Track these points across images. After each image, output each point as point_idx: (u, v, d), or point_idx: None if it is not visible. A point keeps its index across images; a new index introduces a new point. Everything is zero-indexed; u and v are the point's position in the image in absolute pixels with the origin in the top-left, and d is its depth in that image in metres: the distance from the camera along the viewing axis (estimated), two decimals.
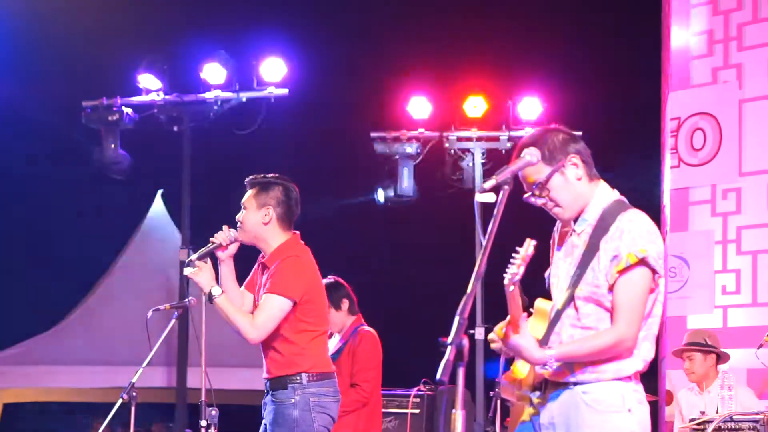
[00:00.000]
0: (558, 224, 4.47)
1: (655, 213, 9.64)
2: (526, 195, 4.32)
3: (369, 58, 13.31)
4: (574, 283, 4.24)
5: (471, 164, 11.42)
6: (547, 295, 4.44)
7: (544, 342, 4.22)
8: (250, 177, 5.99)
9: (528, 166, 4.23)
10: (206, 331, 6.75)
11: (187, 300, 6.82)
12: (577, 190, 4.30)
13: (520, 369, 4.38)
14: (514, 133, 11.14)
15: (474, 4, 13.35)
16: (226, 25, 13.53)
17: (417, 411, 8.94)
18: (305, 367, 5.74)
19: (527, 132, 10.57)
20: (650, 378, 6.54)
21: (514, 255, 3.90)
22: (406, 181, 11.33)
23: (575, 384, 4.23)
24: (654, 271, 4.17)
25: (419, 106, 11.50)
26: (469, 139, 11.40)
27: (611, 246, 4.18)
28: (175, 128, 11.47)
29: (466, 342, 3.58)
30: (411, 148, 11.32)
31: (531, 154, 4.23)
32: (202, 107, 11.38)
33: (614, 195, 4.36)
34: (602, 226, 4.23)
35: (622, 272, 4.13)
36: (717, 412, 7.50)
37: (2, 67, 12.40)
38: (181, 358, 11.02)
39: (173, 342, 10.95)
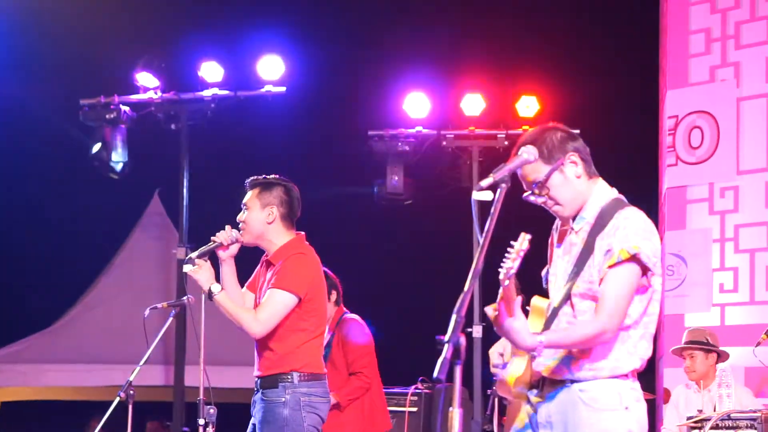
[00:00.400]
0: (557, 222, 4.47)
1: (653, 211, 9.66)
2: (525, 194, 4.32)
3: (367, 57, 13.30)
4: (570, 280, 4.25)
5: (468, 162, 11.42)
6: (545, 294, 4.45)
7: None
8: (251, 178, 5.99)
9: (525, 164, 4.23)
10: (204, 329, 6.75)
11: (184, 298, 6.81)
12: (576, 187, 4.31)
13: (515, 369, 4.38)
14: (511, 132, 11.13)
15: (473, 4, 13.35)
16: (224, 23, 13.52)
17: (415, 409, 8.94)
18: (297, 366, 5.73)
19: (525, 130, 10.60)
20: (648, 376, 6.54)
21: (509, 249, 3.89)
22: (396, 179, 11.32)
23: (572, 382, 4.24)
24: (646, 269, 4.17)
25: (417, 105, 11.49)
26: (466, 137, 11.40)
27: (605, 242, 4.18)
28: (173, 126, 11.46)
29: (463, 340, 3.58)
30: (403, 147, 11.31)
31: (528, 152, 4.23)
32: (199, 105, 11.37)
33: (613, 193, 4.37)
34: (600, 224, 4.24)
35: (612, 267, 4.14)
36: (714, 410, 7.50)
37: (0, 66, 12.40)
38: (179, 356, 11.01)
39: (170, 340, 10.95)
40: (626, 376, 4.23)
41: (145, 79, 11.41)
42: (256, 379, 5.86)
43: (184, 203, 11.35)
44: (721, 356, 8.17)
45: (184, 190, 11.38)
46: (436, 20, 13.23)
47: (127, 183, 12.04)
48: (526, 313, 4.24)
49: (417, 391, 9.00)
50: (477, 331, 10.76)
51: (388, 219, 12.08)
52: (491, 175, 4.00)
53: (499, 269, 3.89)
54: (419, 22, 13.34)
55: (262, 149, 13.17)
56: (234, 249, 5.86)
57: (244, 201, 5.93)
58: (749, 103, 9.50)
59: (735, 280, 9.42)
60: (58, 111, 12.36)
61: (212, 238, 5.81)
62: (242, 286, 5.98)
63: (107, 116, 11.37)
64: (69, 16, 12.32)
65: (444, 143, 11.43)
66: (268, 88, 11.30)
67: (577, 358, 4.22)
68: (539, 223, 4.48)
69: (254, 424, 5.84)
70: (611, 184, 4.42)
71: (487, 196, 3.92)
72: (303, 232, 5.98)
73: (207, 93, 11.29)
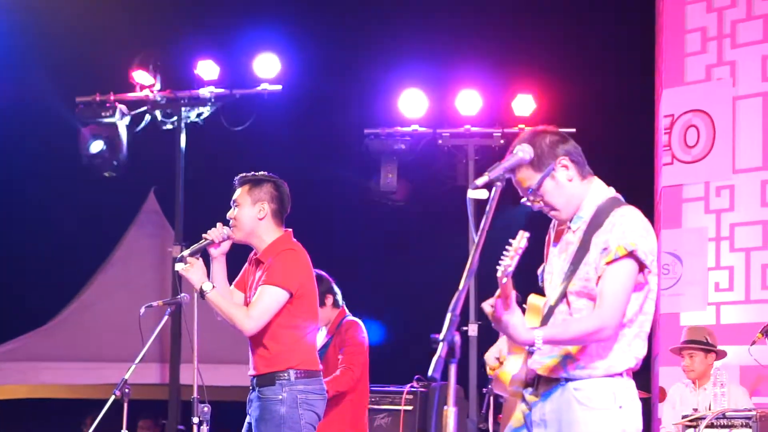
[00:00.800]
0: (554, 222, 4.48)
1: (648, 210, 9.67)
2: (522, 199, 4.34)
3: (363, 55, 13.29)
4: (567, 278, 4.25)
5: (464, 161, 11.42)
6: (542, 293, 4.45)
7: None
8: (240, 175, 5.99)
9: (521, 162, 4.23)
10: (198, 327, 6.74)
11: (180, 297, 6.80)
12: (569, 191, 4.31)
13: (509, 369, 4.38)
14: (507, 130, 11.13)
15: (469, 2, 13.35)
16: (220, 22, 13.51)
17: (410, 408, 8.93)
18: (293, 363, 5.73)
19: (521, 129, 10.60)
20: (643, 375, 6.54)
21: (507, 247, 3.90)
22: (391, 177, 11.32)
23: (567, 380, 4.24)
24: (643, 266, 4.17)
25: (413, 103, 11.49)
26: (462, 136, 11.39)
27: (602, 239, 4.19)
28: (169, 125, 11.45)
29: (458, 338, 3.58)
30: (399, 145, 11.31)
31: (524, 150, 4.24)
32: (195, 103, 11.36)
33: (609, 192, 4.37)
34: (597, 223, 4.24)
35: (610, 264, 4.14)
36: (710, 409, 7.50)
37: None
38: (174, 354, 11.00)
39: (166, 338, 10.94)
40: (621, 375, 4.24)
41: (141, 77, 11.40)
42: (252, 377, 5.85)
43: (180, 201, 11.34)
44: (719, 355, 8.18)
45: (180, 189, 11.36)
46: (433, 19, 13.22)
47: (123, 181, 12.03)
48: (522, 311, 4.25)
49: (412, 389, 8.99)
50: (472, 329, 10.75)
51: (384, 217, 12.07)
52: (486, 173, 4.01)
53: (497, 267, 3.89)
54: (415, 21, 13.33)
55: (257, 147, 13.16)
56: (225, 247, 5.86)
57: (233, 198, 5.93)
58: (745, 102, 9.51)
59: (730, 279, 9.42)
60: (55, 109, 12.34)
61: (204, 235, 5.81)
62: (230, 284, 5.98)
63: (103, 114, 11.36)
64: (65, 14, 12.31)
65: (440, 142, 11.42)
66: (264, 86, 11.30)
67: (572, 356, 4.22)
68: (533, 220, 4.48)
69: (250, 423, 5.83)
70: (607, 182, 4.43)
71: (482, 194, 3.92)
72: (290, 229, 5.98)
73: (203, 91, 11.28)
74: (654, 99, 10.52)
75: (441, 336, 3.57)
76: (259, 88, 11.31)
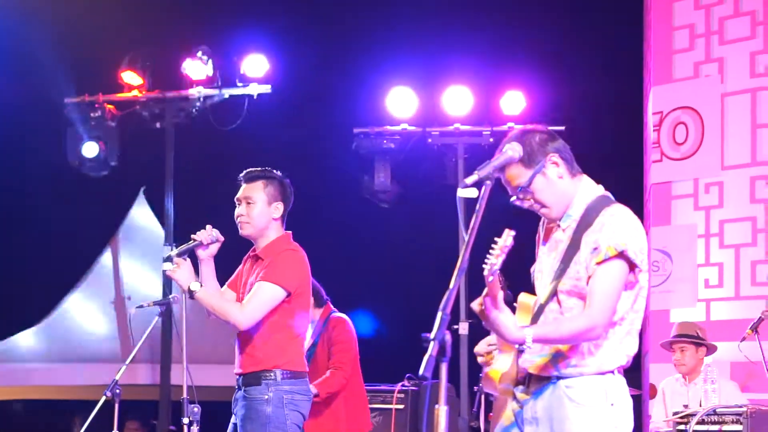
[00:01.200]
0: (543, 220, 4.48)
1: (638, 207, 9.67)
2: (512, 198, 4.33)
3: (352, 54, 13.29)
4: (557, 277, 4.25)
5: (454, 160, 11.42)
6: (533, 291, 4.45)
7: None
8: (248, 170, 5.91)
9: (510, 161, 4.23)
10: (188, 328, 6.73)
11: (170, 297, 6.80)
12: (560, 188, 4.31)
13: (500, 367, 4.38)
14: (496, 129, 11.14)
15: (456, 1, 13.35)
16: (208, 22, 13.49)
17: (401, 406, 8.94)
18: (280, 363, 5.70)
19: (510, 128, 10.61)
20: (634, 372, 6.56)
21: (492, 246, 3.90)
22: (381, 177, 11.33)
23: (558, 378, 4.24)
24: (633, 265, 4.18)
25: (402, 102, 11.49)
26: (452, 134, 11.40)
27: (592, 239, 4.19)
28: (158, 125, 11.45)
29: (449, 337, 3.59)
30: (389, 144, 11.31)
31: (513, 149, 4.24)
32: (184, 104, 11.36)
33: (598, 190, 4.38)
34: (586, 221, 4.25)
35: (600, 264, 4.15)
36: (700, 405, 7.52)
37: None
38: (165, 355, 11.00)
39: (155, 339, 10.93)
40: (612, 372, 4.24)
41: (130, 77, 11.39)
42: (238, 376, 5.83)
43: (170, 202, 11.33)
44: (710, 350, 8.20)
45: (170, 189, 11.36)
46: (421, 18, 13.22)
47: (112, 181, 12.02)
48: (513, 309, 4.25)
49: (404, 388, 9.00)
50: (463, 328, 10.76)
51: (374, 216, 12.07)
52: (476, 172, 4.01)
53: (483, 266, 3.90)
54: (404, 20, 13.33)
55: (246, 147, 13.14)
56: (214, 249, 5.80)
57: (244, 194, 5.84)
58: (733, 99, 9.52)
59: (720, 276, 9.44)
60: (44, 110, 12.32)
61: (192, 237, 5.78)
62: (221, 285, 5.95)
63: (92, 115, 11.36)
64: (53, 14, 12.28)
65: (429, 140, 11.43)
66: (253, 86, 11.30)
67: (563, 354, 4.23)
68: (522, 219, 4.48)
69: (235, 424, 5.82)
70: (596, 180, 4.43)
71: (472, 193, 3.93)
72: (290, 231, 5.96)
73: (192, 91, 11.28)
74: (642, 96, 10.54)
75: (432, 335, 3.57)
76: (248, 89, 11.31)
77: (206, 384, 10.46)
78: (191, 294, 5.68)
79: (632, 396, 4.39)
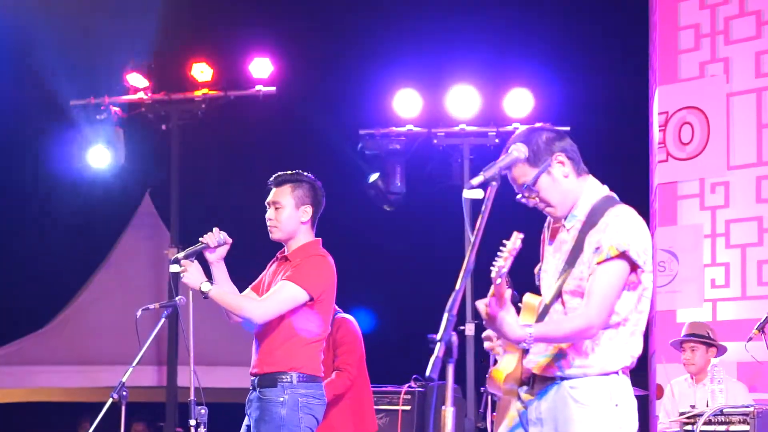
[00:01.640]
0: (549, 220, 4.48)
1: (644, 208, 9.67)
2: (518, 196, 4.34)
3: (357, 56, 13.30)
4: (561, 277, 4.25)
5: (459, 161, 11.42)
6: (538, 291, 4.45)
7: None
8: (278, 174, 5.90)
9: (516, 161, 4.24)
10: (195, 329, 6.74)
11: (176, 299, 6.79)
12: (565, 187, 4.31)
13: (504, 367, 4.38)
14: (502, 129, 11.13)
15: (462, 3, 13.35)
16: (214, 24, 13.51)
17: (408, 408, 8.93)
18: (296, 366, 5.68)
19: (516, 128, 10.60)
20: (640, 372, 6.55)
21: (501, 248, 3.90)
22: (387, 178, 11.33)
23: (562, 379, 4.24)
24: (636, 266, 4.17)
25: (408, 103, 11.49)
26: (457, 135, 11.40)
27: (595, 239, 4.20)
28: (163, 127, 11.46)
29: (455, 338, 3.58)
30: (394, 145, 11.31)
31: (518, 150, 4.24)
32: (189, 106, 11.37)
33: (604, 191, 4.38)
34: (591, 222, 4.25)
35: (600, 263, 4.15)
36: (707, 406, 7.51)
37: None
38: (171, 357, 11.01)
39: (163, 341, 10.94)
40: (616, 373, 4.24)
41: (135, 79, 11.40)
42: (253, 377, 5.82)
43: (175, 203, 11.35)
44: (720, 351, 8.20)
45: (175, 191, 11.37)
46: (426, 19, 13.22)
47: (118, 183, 12.04)
48: (518, 309, 4.25)
49: (410, 389, 8.99)
50: (469, 329, 10.76)
51: (380, 217, 12.07)
52: (482, 173, 4.01)
53: (491, 268, 3.90)
54: (408, 21, 13.33)
55: (252, 149, 13.16)
56: (222, 251, 5.79)
57: (272, 198, 5.84)
58: (739, 99, 9.51)
59: (726, 276, 9.43)
60: (51, 111, 12.34)
61: (200, 239, 5.77)
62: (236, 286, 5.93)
63: (98, 117, 11.38)
64: (59, 16, 12.30)
65: (435, 141, 11.42)
66: (258, 88, 11.30)
67: (568, 355, 4.23)
68: (528, 220, 4.48)
69: (248, 425, 5.81)
70: (602, 180, 4.43)
71: (477, 194, 3.93)
72: (320, 238, 5.95)
73: (197, 93, 11.28)
74: (648, 96, 10.53)
75: (438, 336, 3.57)
76: (253, 90, 11.32)
77: (212, 386, 10.48)
78: (204, 295, 5.67)
79: (637, 397, 4.38)
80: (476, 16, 13.04)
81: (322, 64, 13.59)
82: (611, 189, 4.41)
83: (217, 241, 5.74)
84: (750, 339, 7.77)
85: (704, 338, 8.12)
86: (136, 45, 11.99)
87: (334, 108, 13.29)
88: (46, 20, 12.34)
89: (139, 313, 6.79)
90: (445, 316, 3.61)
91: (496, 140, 11.09)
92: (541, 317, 4.29)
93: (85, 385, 12.90)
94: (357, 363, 7.50)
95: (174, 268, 5.73)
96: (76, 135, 11.56)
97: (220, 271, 5.81)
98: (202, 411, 6.50)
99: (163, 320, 6.96)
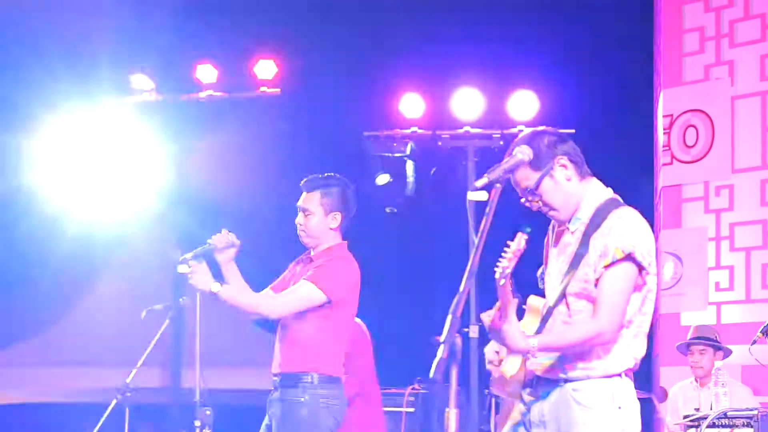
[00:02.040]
0: (553, 222, 4.49)
1: (648, 211, 9.66)
2: (521, 200, 4.35)
3: (361, 57, 13.28)
4: (565, 280, 4.26)
5: (464, 163, 11.42)
6: (542, 294, 4.46)
7: None
8: (308, 178, 5.91)
9: (520, 164, 4.24)
10: (200, 330, 6.74)
11: (180, 300, 6.80)
12: (568, 190, 4.32)
13: (509, 368, 4.39)
14: (506, 132, 11.13)
15: (466, 4, 13.34)
16: (218, 25, 13.51)
17: (412, 410, 8.94)
18: (318, 367, 5.68)
19: (520, 131, 10.60)
20: (644, 375, 6.55)
21: (505, 249, 3.91)
22: (391, 180, 11.35)
23: (565, 381, 4.25)
24: (641, 268, 4.18)
25: (412, 105, 11.49)
26: (462, 137, 11.39)
27: (600, 242, 4.20)
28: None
29: (459, 340, 3.59)
30: (399, 147, 11.32)
31: (523, 152, 4.25)
32: (195, 107, 11.37)
33: (607, 193, 4.38)
34: (595, 224, 4.25)
35: (608, 267, 4.15)
36: (711, 409, 7.50)
37: None
38: (175, 358, 11.01)
39: (166, 342, 10.94)
40: (619, 375, 4.24)
41: (140, 81, 11.41)
42: (275, 377, 5.81)
43: (181, 206, 11.35)
44: (726, 355, 8.21)
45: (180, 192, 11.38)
46: (430, 20, 13.22)
47: (123, 185, 12.05)
48: (522, 312, 4.26)
49: (414, 391, 9.00)
50: (473, 331, 10.73)
51: (384, 219, 12.06)
52: (486, 175, 4.02)
53: (495, 269, 3.90)
54: (412, 22, 13.33)
55: (256, 151, 13.15)
56: (231, 253, 5.79)
57: (302, 204, 5.85)
58: (744, 102, 9.51)
59: (731, 279, 9.43)
60: (54, 111, 12.34)
61: (208, 241, 5.77)
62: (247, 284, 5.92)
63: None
64: (62, 16, 12.30)
65: (439, 143, 11.42)
66: (262, 89, 11.31)
67: (571, 357, 4.23)
68: (536, 222, 4.48)
69: (268, 425, 5.79)
70: (607, 183, 4.43)
71: (482, 196, 3.93)
72: (346, 241, 5.94)
73: (202, 95, 11.29)
74: (653, 99, 10.53)
75: (442, 338, 3.57)
76: (257, 92, 11.33)
77: (217, 387, 10.47)
78: (215, 296, 5.65)
79: (640, 399, 4.38)
80: (481, 17, 13.03)
81: (326, 65, 13.57)
82: (616, 192, 4.41)
83: (225, 242, 5.74)
84: (754, 342, 7.76)
85: (713, 341, 8.13)
86: (140, 46, 11.99)
87: (337, 109, 13.28)
88: (49, 20, 12.34)
89: (143, 313, 6.80)
90: (449, 318, 3.62)
91: (501, 142, 11.08)
92: (544, 320, 4.30)
93: (89, 386, 12.91)
94: (364, 367, 7.50)
95: (182, 268, 5.72)
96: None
97: (232, 272, 5.81)
98: (208, 412, 6.51)
99: (167, 321, 6.98)
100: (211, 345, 7.45)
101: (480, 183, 3.97)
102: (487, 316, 4.07)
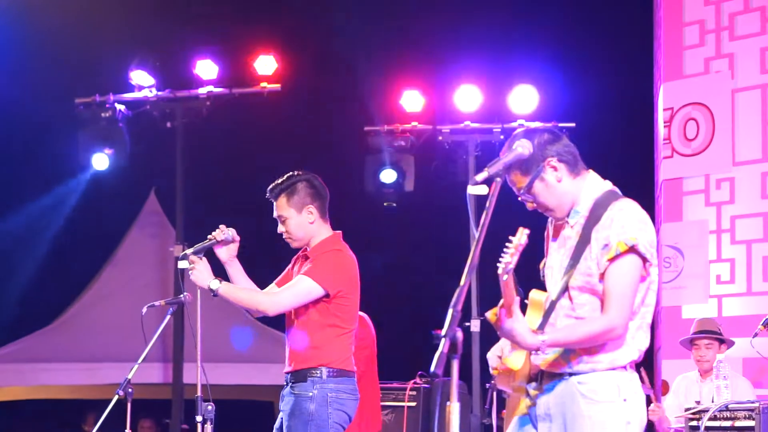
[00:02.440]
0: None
1: (649, 204, 9.67)
2: (519, 198, 4.37)
3: (362, 52, 13.30)
4: (567, 273, 4.26)
5: (464, 157, 11.43)
6: (543, 287, 4.46)
7: None
8: (271, 186, 5.89)
9: (520, 157, 4.24)
10: (202, 326, 6.74)
11: (182, 296, 6.80)
12: (560, 191, 4.33)
13: (514, 361, 4.39)
14: (507, 126, 11.13)
15: (466, 1, 13.36)
16: (219, 21, 13.51)
17: (413, 404, 8.94)
18: (326, 361, 5.69)
19: (521, 125, 10.60)
20: (646, 368, 6.54)
21: (507, 244, 3.91)
22: (392, 174, 11.34)
23: (571, 374, 4.25)
24: (645, 259, 4.18)
25: (412, 100, 11.50)
26: (462, 132, 11.40)
27: (602, 235, 4.20)
28: (168, 124, 11.46)
29: (460, 334, 3.59)
30: (399, 142, 11.32)
31: (522, 146, 4.25)
32: (194, 103, 11.37)
33: (606, 185, 4.38)
34: (594, 217, 4.25)
35: (612, 260, 4.15)
36: (713, 401, 7.50)
37: None
38: (177, 353, 11.02)
39: (168, 338, 10.95)
40: (624, 368, 4.25)
41: (140, 77, 11.41)
42: (287, 374, 5.81)
43: (181, 201, 11.35)
44: (729, 347, 8.20)
45: (180, 188, 11.38)
46: (431, 16, 13.22)
47: (123, 181, 12.04)
48: (524, 306, 4.26)
49: (415, 385, 9.00)
50: (475, 325, 10.76)
51: (385, 214, 12.07)
52: (486, 169, 4.02)
53: (498, 264, 3.90)
54: (413, 17, 13.33)
55: (257, 146, 13.16)
56: (233, 249, 5.81)
57: (276, 213, 5.85)
58: (744, 95, 9.51)
59: (732, 272, 9.43)
60: (54, 109, 12.35)
61: (208, 236, 5.78)
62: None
63: (102, 115, 11.38)
64: (63, 14, 12.31)
65: (440, 138, 11.43)
66: (263, 85, 11.31)
67: (576, 351, 4.23)
68: (533, 216, 4.49)
69: (282, 419, 5.81)
70: (607, 176, 4.43)
71: (482, 190, 3.93)
72: (340, 231, 5.96)
73: (202, 91, 11.29)
74: (653, 92, 10.52)
75: (443, 332, 3.57)
76: (258, 88, 11.32)
77: (219, 382, 10.49)
78: (214, 293, 5.66)
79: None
80: (481, 12, 13.03)
81: (327, 61, 13.59)
82: (616, 185, 4.41)
83: (225, 237, 5.75)
84: (755, 335, 7.77)
85: (719, 335, 8.13)
86: (140, 42, 11.99)
87: (338, 105, 13.29)
88: (50, 16, 12.34)
89: (144, 310, 6.80)
90: (450, 312, 3.61)
91: (501, 137, 11.10)
92: (547, 314, 4.30)
93: (90, 383, 12.91)
94: (365, 361, 7.50)
95: (183, 264, 5.73)
96: (80, 133, 11.56)
97: (235, 269, 5.84)
98: (210, 407, 6.51)
99: (168, 317, 6.98)
100: (213, 341, 7.45)
101: (480, 177, 3.97)
102: (492, 314, 4.07)
